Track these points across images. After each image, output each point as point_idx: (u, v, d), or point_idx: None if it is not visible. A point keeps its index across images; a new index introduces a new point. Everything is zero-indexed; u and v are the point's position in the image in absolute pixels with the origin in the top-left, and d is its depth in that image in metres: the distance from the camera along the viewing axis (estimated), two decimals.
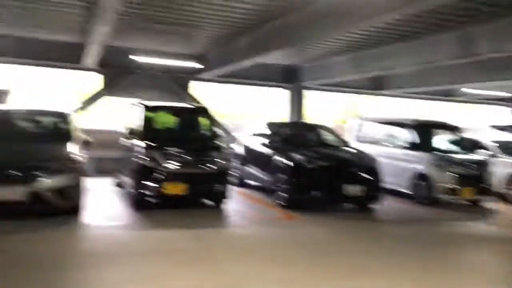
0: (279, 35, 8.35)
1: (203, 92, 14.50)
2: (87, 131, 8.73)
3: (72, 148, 7.39)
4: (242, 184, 10.42)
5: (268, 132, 10.05)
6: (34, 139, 7.85)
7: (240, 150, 10.89)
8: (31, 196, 6.45)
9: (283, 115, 14.87)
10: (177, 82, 12.61)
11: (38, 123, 8.59)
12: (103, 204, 8.16)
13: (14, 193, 6.36)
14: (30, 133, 8.31)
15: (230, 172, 8.35)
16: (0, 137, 7.56)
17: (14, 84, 12.93)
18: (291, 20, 7.95)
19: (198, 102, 12.53)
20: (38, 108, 9.16)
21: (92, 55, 9.94)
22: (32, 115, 8.64)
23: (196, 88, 13.23)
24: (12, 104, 11.07)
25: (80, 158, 7.27)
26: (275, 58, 10.04)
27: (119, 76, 12.04)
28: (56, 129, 8.21)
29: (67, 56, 11.36)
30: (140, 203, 7.79)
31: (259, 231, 7.01)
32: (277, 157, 8.98)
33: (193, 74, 12.50)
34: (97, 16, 6.83)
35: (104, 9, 6.06)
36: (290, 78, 13.94)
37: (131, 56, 11.32)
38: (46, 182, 6.58)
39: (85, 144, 7.87)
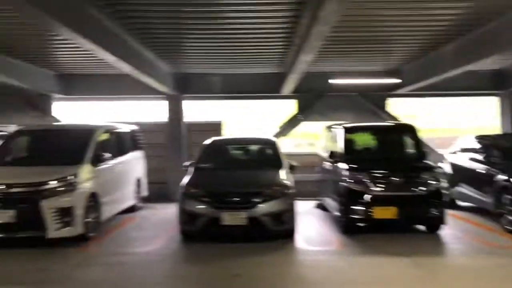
0: (496, 37, 7.37)
1: (401, 108, 13.84)
2: (290, 155, 9.06)
3: (283, 173, 7.72)
4: (451, 206, 9.46)
5: (481, 146, 9.03)
6: (249, 166, 8.50)
7: (447, 168, 9.98)
8: (250, 220, 6.89)
9: (494, 127, 13.17)
10: (372, 100, 12.27)
11: (250, 150, 9.30)
12: (311, 227, 8.26)
13: (237, 218, 6.90)
14: (245, 160, 9.05)
15: (444, 193, 7.63)
16: (222, 165, 8.41)
17: (224, 116, 14.34)
18: (510, 19, 6.94)
19: (397, 120, 11.98)
20: (249, 137, 9.89)
21: (290, 83, 10.36)
22: (244, 144, 9.41)
23: (393, 105, 12.68)
24: (225, 135, 12.27)
25: (291, 183, 7.52)
26: (482, 63, 8.94)
27: (312, 100, 12.31)
28: (267, 156, 8.69)
29: (266, 87, 12.09)
30: (347, 227, 7.66)
31: (489, 261, 6.12)
32: (499, 175, 7.88)
33: (389, 91, 12.01)
34: (302, 46, 7.03)
35: (312, 37, 6.16)
36: (500, 84, 12.28)
37: (329, 80, 11.47)
38: (263, 207, 6.96)
39: (292, 169, 8.15)
